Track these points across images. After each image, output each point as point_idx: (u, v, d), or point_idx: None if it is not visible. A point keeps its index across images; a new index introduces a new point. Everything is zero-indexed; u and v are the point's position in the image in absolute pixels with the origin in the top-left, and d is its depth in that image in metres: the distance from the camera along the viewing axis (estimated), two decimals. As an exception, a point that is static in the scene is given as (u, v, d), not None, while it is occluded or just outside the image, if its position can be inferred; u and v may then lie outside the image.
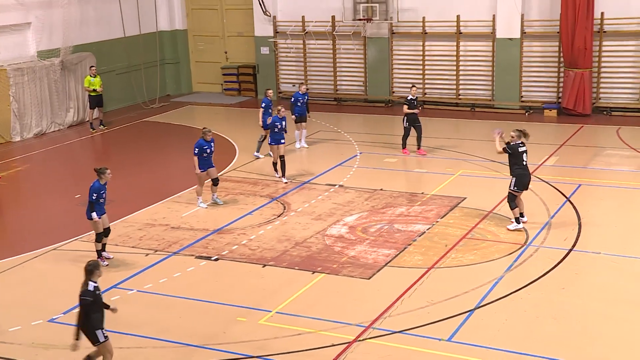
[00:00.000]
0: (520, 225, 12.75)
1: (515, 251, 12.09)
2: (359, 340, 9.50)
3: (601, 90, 21.55)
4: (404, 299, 10.58)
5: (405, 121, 17.70)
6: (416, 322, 9.88)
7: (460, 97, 23.01)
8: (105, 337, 8.51)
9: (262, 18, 24.93)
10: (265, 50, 25.25)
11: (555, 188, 14.98)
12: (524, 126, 20.39)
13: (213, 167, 14.66)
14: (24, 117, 21.21)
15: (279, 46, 25.03)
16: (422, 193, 15.10)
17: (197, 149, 14.32)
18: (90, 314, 8.40)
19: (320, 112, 22.83)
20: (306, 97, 18.81)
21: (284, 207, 14.64)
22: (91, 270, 8.48)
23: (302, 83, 19.69)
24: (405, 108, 17.59)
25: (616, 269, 11.47)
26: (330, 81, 24.66)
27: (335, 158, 17.91)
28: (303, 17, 24.30)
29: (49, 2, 21.88)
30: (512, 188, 12.78)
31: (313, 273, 11.57)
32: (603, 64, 21.32)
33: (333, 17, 23.90)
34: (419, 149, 17.69)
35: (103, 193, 11.91)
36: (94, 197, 11.77)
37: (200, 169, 14.39)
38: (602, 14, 20.82)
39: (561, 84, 21.62)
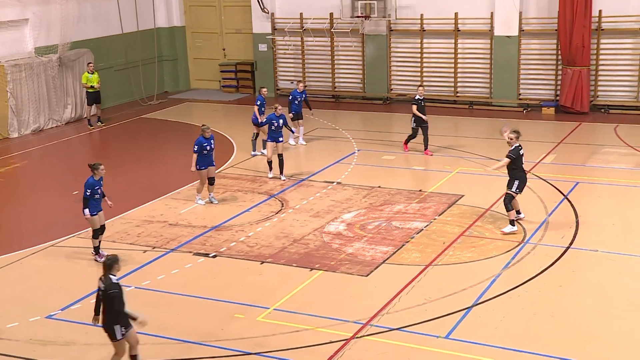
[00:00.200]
0: (515, 228, 12.68)
1: (513, 249, 12.10)
2: (357, 337, 9.51)
3: (599, 88, 21.57)
4: (401, 296, 10.59)
5: (413, 122, 17.40)
6: (414, 319, 9.89)
7: (458, 94, 23.02)
8: (123, 334, 8.48)
9: (260, 15, 24.91)
10: (263, 47, 25.23)
11: (553, 186, 15.00)
12: (521, 124, 20.48)
13: (213, 165, 14.59)
14: (21, 113, 21.19)
15: (277, 43, 25.01)
16: (420, 190, 15.11)
17: (196, 147, 14.28)
18: (113, 307, 8.38)
19: (318, 109, 22.77)
20: (304, 95, 18.81)
21: (282, 204, 14.64)
22: (110, 264, 8.48)
23: (299, 81, 19.68)
24: (414, 109, 17.30)
25: (613, 266, 11.49)
26: (328, 78, 24.65)
27: (333, 155, 17.91)
28: (301, 14, 24.28)
29: (46, -2, 21.88)
30: (513, 190, 12.69)
31: (311, 270, 11.58)
32: (601, 62, 21.33)
33: (331, 14, 23.88)
34: (426, 149, 17.54)
35: (98, 189, 11.88)
36: (88, 193, 11.76)
37: (200, 166, 14.32)
38: (600, 11, 20.83)
39: (559, 82, 21.63)
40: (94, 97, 21.62)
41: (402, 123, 21.27)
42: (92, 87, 21.48)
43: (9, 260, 12.33)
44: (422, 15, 22.77)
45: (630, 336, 9.45)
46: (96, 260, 12.12)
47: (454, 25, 22.52)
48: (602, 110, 21.45)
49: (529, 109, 21.98)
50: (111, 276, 8.45)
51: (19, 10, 21.33)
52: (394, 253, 12.11)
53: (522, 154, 12.74)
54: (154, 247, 12.71)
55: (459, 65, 22.84)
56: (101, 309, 8.55)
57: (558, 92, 21.75)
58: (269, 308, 10.39)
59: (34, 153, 19.60)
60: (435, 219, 13.53)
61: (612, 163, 16.78)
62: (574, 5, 20.54)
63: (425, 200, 14.52)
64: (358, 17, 23.14)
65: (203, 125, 14.60)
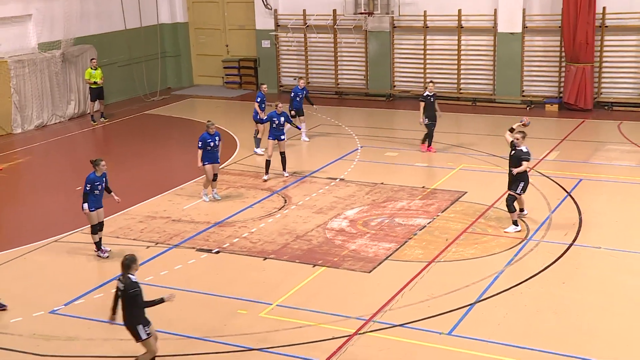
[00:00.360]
0: (519, 228, 12.58)
1: (516, 245, 12.09)
2: (360, 334, 9.51)
3: (602, 85, 21.52)
4: (404, 292, 10.59)
5: (424, 119, 17.16)
6: (416, 315, 9.89)
7: (461, 91, 22.98)
8: (148, 333, 8.43)
9: (263, 11, 24.89)
10: (266, 43, 25.21)
11: (556, 183, 14.98)
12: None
13: (217, 162, 14.54)
14: (25, 109, 21.20)
15: (280, 39, 24.99)
16: (423, 187, 15.10)
17: (200, 143, 14.27)
18: (134, 307, 8.33)
19: (321, 105, 22.76)
20: (305, 92, 18.80)
21: (285, 200, 14.64)
22: (129, 264, 8.40)
23: (300, 78, 19.63)
24: (422, 105, 17.15)
25: (616, 263, 11.48)
26: (331, 75, 24.63)
27: (336, 152, 17.90)
28: (304, 10, 24.25)
29: (49, -6, 21.87)
30: (518, 192, 12.58)
31: (314, 266, 11.58)
32: (605, 59, 21.28)
33: (334, 10, 23.85)
34: (429, 146, 17.49)
35: (98, 185, 11.88)
36: (87, 188, 11.78)
37: (204, 162, 14.31)
38: (604, 8, 20.78)
39: (562, 79, 21.59)
40: (97, 93, 21.63)
41: (406, 120, 21.29)
42: (95, 83, 21.48)
43: (12, 256, 12.34)
44: (425, 11, 22.73)
45: (632, 333, 9.44)
46: (99, 256, 12.15)
47: (457, 22, 22.48)
48: (606, 107, 21.41)
49: (532, 106, 21.94)
50: (130, 276, 8.39)
51: (22, 6, 21.34)
52: (397, 250, 12.10)
53: None
54: (157, 243, 12.72)
55: (462, 62, 22.80)
56: (120, 309, 8.47)
57: (561, 89, 21.71)
58: (272, 304, 10.39)
59: (37, 149, 19.62)
60: (438, 215, 13.52)
61: (616, 160, 16.75)
62: (578, 2, 20.49)
63: (428, 197, 14.51)
64: (361, 13, 23.11)
65: (208, 121, 14.57)
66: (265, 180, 15.65)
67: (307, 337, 9.49)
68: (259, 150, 17.79)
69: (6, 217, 14.73)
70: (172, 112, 23.19)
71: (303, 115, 18.84)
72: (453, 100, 22.96)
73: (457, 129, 20.14)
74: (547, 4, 21.65)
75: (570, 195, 14.27)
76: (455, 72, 22.88)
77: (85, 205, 11.82)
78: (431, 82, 17.79)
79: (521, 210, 12.94)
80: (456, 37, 22.63)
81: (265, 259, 11.98)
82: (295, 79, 23.60)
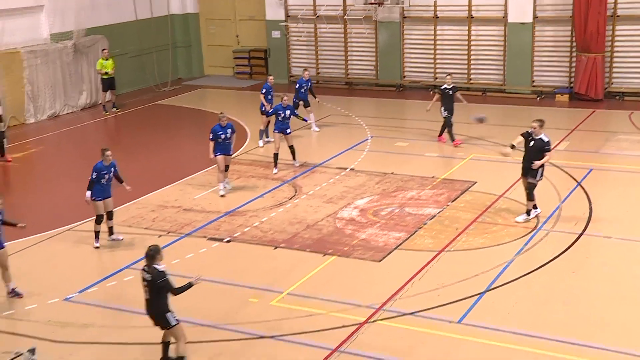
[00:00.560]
0: (530, 217, 12.57)
1: (526, 235, 12.08)
2: (370, 322, 9.55)
3: (614, 75, 21.39)
4: (414, 281, 10.62)
5: (443, 110, 16.98)
6: (427, 304, 9.92)
7: (471, 81, 22.90)
8: (177, 319, 8.42)
9: (273, 2, 24.84)
10: (276, 34, 25.18)
11: (567, 173, 14.93)
12: (535, 111, 20.37)
13: (229, 154, 14.48)
14: (37, 99, 21.31)
15: (291, 30, 24.95)
16: (433, 177, 15.09)
17: (212, 134, 14.27)
18: (163, 296, 8.31)
19: (331, 95, 22.80)
20: (310, 83, 18.78)
21: (296, 190, 14.67)
22: (153, 255, 8.34)
23: (305, 69, 19.56)
24: (435, 97, 17.04)
25: (627, 253, 11.46)
26: (341, 65, 24.59)
27: (347, 142, 17.90)
28: (314, 0, 24.19)
29: (61, -16, 21.92)
30: (538, 179, 12.43)
31: (324, 255, 11.62)
32: (616, 49, 21.14)
33: (344, 1, 23.78)
34: (440, 135, 17.39)
35: (105, 174, 11.93)
36: (93, 176, 11.86)
37: (216, 153, 14.31)
38: (616, -2, 20.65)
39: (573, 69, 21.47)
40: (108, 83, 21.71)
41: (416, 110, 21.25)
42: (106, 73, 21.55)
43: (26, 244, 12.43)
44: (435, 2, 22.63)
45: (643, 322, 9.44)
46: (94, 247, 12.17)
47: (467, 12, 22.38)
48: (617, 97, 21.28)
49: (543, 96, 21.84)
50: (156, 266, 8.33)
51: (34, -3, 21.43)
52: (407, 239, 12.12)
53: None
54: (169, 232, 12.79)
55: (472, 52, 22.71)
56: (146, 299, 8.42)
57: (572, 79, 21.59)
58: (282, 292, 10.45)
59: (49, 138, 19.73)
60: (448, 205, 13.52)
61: (626, 150, 16.67)
62: (589, -9, 20.37)
63: (438, 187, 14.51)
64: (371, 3, 23.03)
65: (220, 113, 14.55)
66: (275, 174, 15.63)
67: (317, 325, 9.54)
68: (260, 143, 17.81)
69: (20, 206, 14.81)
70: (183, 103, 23.23)
71: (310, 106, 18.83)
72: (463, 90, 22.68)
73: (467, 119, 20.03)
74: (558, -6, 21.53)
75: (581, 185, 14.23)
76: (466, 62, 22.79)
77: (88, 193, 11.89)
78: (449, 74, 17.58)
79: (535, 207, 12.77)
80: (466, 28, 22.53)
81: (276, 248, 12.03)
82: (305, 69, 23.62)
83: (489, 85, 22.67)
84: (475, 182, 14.57)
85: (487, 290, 10.28)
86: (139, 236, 12.62)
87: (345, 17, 23.93)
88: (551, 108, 20.68)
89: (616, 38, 21.04)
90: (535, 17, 21.72)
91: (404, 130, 18.85)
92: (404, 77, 23.77)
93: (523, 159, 12.60)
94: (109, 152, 11.99)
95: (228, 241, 12.35)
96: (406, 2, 22.76)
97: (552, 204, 13.28)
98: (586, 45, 20.77)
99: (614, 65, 21.29)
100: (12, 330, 9.82)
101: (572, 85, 21.56)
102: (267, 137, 17.92)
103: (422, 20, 23.18)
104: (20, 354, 3.76)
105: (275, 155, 15.73)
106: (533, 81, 22.21)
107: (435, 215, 13.04)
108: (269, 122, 17.48)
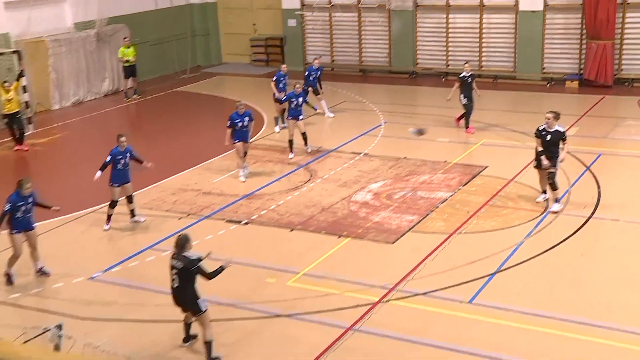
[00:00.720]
0: (561, 206, 12.19)
1: (536, 218, 12.01)
2: (383, 302, 9.55)
3: (623, 61, 21.12)
4: (426, 262, 10.60)
5: (463, 98, 16.76)
6: (438, 284, 9.91)
7: (482, 68, 22.71)
8: (206, 304, 8.31)
9: (289, -9, 24.74)
10: (292, 22, 25.07)
11: (576, 157, 14.79)
12: (545, 97, 20.19)
13: (247, 141, 14.44)
14: (62, 86, 21.40)
15: (306, 18, 24.83)
16: (445, 161, 15.02)
17: (229, 122, 14.25)
18: (192, 284, 8.21)
19: (346, 82, 22.72)
20: (319, 72, 18.68)
21: (311, 174, 14.66)
22: (183, 244, 8.26)
23: (315, 58, 19.47)
24: (455, 85, 16.76)
25: (635, 235, 11.36)
26: (355, 53, 24.46)
27: (361, 127, 17.84)
28: (329, -11, 24.07)
29: (84, -25, 21.93)
30: (557, 166, 12.19)
31: (339, 237, 11.62)
32: (626, 36, 20.85)
33: (359, -11, 23.65)
34: (467, 127, 16.89)
35: (120, 159, 11.98)
36: (107, 160, 11.97)
37: (234, 140, 14.28)
38: (626, -14, 20.35)
39: (583, 56, 21.22)
40: (130, 70, 21.74)
41: (428, 96, 21.14)
42: (128, 61, 21.59)
43: (51, 226, 12.52)
44: (448, -10, 22.44)
45: (650, 303, 9.37)
46: (104, 229, 12.23)
47: (479, 1, 22.14)
48: (626, 83, 21.02)
49: (553, 83, 21.62)
50: (187, 254, 8.21)
51: (58, -13, 21.45)
52: (419, 222, 12.09)
53: None
54: (189, 214, 12.84)
55: (483, 39, 22.50)
56: (175, 287, 8.26)
57: (582, 66, 21.34)
58: (299, 273, 10.47)
59: (73, 124, 19.82)
60: (459, 189, 13.46)
61: (635, 135, 16.48)
62: (600, -21, 20.07)
63: (449, 171, 14.44)
64: (385, -8, 22.87)
65: (237, 101, 14.53)
66: (291, 158, 15.63)
67: (332, 304, 9.55)
68: (276, 129, 17.79)
69: (46, 189, 14.87)
70: (202, 89, 23.24)
71: (319, 94, 18.73)
72: (475, 77, 22.66)
73: (478, 106, 19.78)
74: (569, -18, 21.24)
75: (590, 170, 14.11)
76: (477, 49, 22.60)
77: (99, 173, 12.01)
78: (466, 62, 17.37)
79: (544, 192, 12.65)
80: (478, 16, 22.31)
81: (292, 230, 12.04)
82: (320, 57, 23.53)
83: (500, 72, 22.48)
84: (486, 167, 14.48)
85: (498, 271, 10.24)
86: (160, 218, 12.69)
87: (359, 5, 23.76)
88: (561, 94, 20.47)
89: (626, 25, 20.75)
90: (546, 5, 21.46)
91: (417, 116, 18.75)
92: (417, 64, 23.61)
93: (539, 153, 12.22)
94: (123, 138, 12.05)
95: (246, 223, 12.38)
96: (419, -10, 22.55)
97: (562, 188, 13.14)
98: (596, 32, 20.51)
99: (624, 52, 21.01)
100: (41, 307, 9.94)
101: (582, 71, 21.32)
102: (283, 122, 17.89)
103: (435, 9, 22.98)
104: (48, 330, 3.83)
105: (290, 141, 15.72)
106: (543, 68, 21.99)
107: (447, 199, 12.99)
108: (284, 109, 17.45)
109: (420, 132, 11.97)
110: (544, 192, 12.60)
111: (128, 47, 21.61)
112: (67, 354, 3.59)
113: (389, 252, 11.12)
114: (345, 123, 18.46)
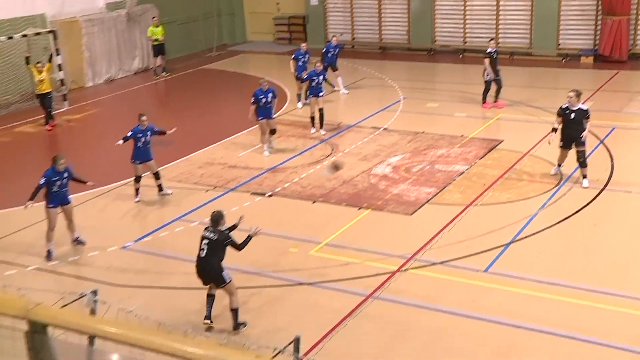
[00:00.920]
0: (586, 181, 11.90)
1: (550, 190, 11.88)
2: (402, 271, 9.54)
3: (638, 36, 20.65)
4: (443, 233, 10.55)
5: (486, 74, 16.33)
6: (455, 254, 9.87)
7: (499, 45, 22.32)
8: (230, 277, 8.37)
9: (311, -30, 24.46)
10: (314, 1, 24.85)
11: (590, 131, 14.50)
12: (560, 73, 19.85)
13: (272, 118, 14.34)
14: (95, 64, 21.49)
15: (328, -3, 24.57)
16: (462, 136, 14.87)
17: (253, 98, 14.20)
18: (218, 255, 8.25)
19: (366, 59, 22.51)
20: (337, 49, 18.48)
21: (332, 148, 14.61)
22: (217, 220, 8.31)
23: (334, 35, 19.28)
24: (486, 62, 16.20)
25: (647, 207, 11.19)
26: (375, 30, 24.21)
27: (380, 103, 17.71)
28: (350, -31, 23.75)
29: (114, -43, 21.86)
30: (585, 144, 11.90)
31: (359, 209, 11.60)
32: (641, 12, 20.39)
33: (379, -32, 23.30)
34: (496, 101, 16.68)
35: (141, 137, 11.99)
36: (128, 135, 12.06)
37: (259, 117, 14.24)
38: (642, -38, 19.80)
39: (599, 32, 20.77)
40: (159, 49, 21.75)
41: (446, 72, 20.90)
42: (157, 40, 21.58)
43: (85, 198, 12.64)
44: (466, -32, 22.02)
45: (661, 273, 9.25)
46: (135, 201, 12.32)
47: (496, -22, 21.74)
48: (641, 59, 20.60)
49: (568, 58, 21.23)
50: (222, 228, 8.27)
51: (90, -31, 21.42)
52: (437, 194, 12.02)
53: None
54: (215, 187, 12.89)
55: (500, 17, 22.11)
56: (201, 257, 8.28)
57: (597, 42, 20.90)
58: (321, 243, 10.48)
59: (106, 101, 19.92)
60: (476, 162, 13.34)
61: (649, 110, 16.18)
62: (616, -45, 19.55)
63: (466, 145, 14.30)
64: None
65: (261, 78, 14.45)
66: (313, 133, 15.57)
67: (353, 273, 9.57)
68: (299, 105, 17.72)
69: (80, 163, 14.99)
70: (228, 67, 23.18)
71: (337, 70, 18.56)
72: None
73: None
74: (585, -41, 20.72)
75: (603, 143, 13.88)
76: (494, 26, 22.22)
77: (121, 141, 12.14)
78: (492, 39, 16.97)
79: (559, 165, 12.47)
80: (495, -7, 21.91)
81: (314, 202, 12.04)
82: (341, 35, 23.31)
83: (517, 49, 22.11)
84: (502, 141, 14.32)
85: (512, 241, 10.17)
86: (188, 190, 12.76)
87: (379, -16, 23.45)
88: (576, 70, 20.11)
89: (641, 1, 20.27)
90: (562, -19, 21.00)
91: (435, 92, 18.55)
92: (435, 41, 23.31)
93: (564, 132, 11.95)
94: (144, 117, 12.08)
95: (270, 195, 12.40)
96: (437, -31, 22.17)
97: (575, 161, 12.97)
98: (612, 8, 20.05)
99: (639, 27, 20.52)
100: (77, 274, 10.09)
101: (596, 47, 20.89)
102: (305, 99, 17.80)
103: (453, -13, 22.61)
104: (84, 295, 3.87)
105: (312, 118, 15.67)
106: (559, 44, 21.59)
107: (463, 172, 12.88)
108: (305, 86, 17.36)
109: (335, 169, 11.52)
110: (559, 165, 12.41)
111: (157, 27, 21.59)
112: (102, 318, 3.62)
113: (407, 223, 11.08)
114: (364, 99, 18.33)
